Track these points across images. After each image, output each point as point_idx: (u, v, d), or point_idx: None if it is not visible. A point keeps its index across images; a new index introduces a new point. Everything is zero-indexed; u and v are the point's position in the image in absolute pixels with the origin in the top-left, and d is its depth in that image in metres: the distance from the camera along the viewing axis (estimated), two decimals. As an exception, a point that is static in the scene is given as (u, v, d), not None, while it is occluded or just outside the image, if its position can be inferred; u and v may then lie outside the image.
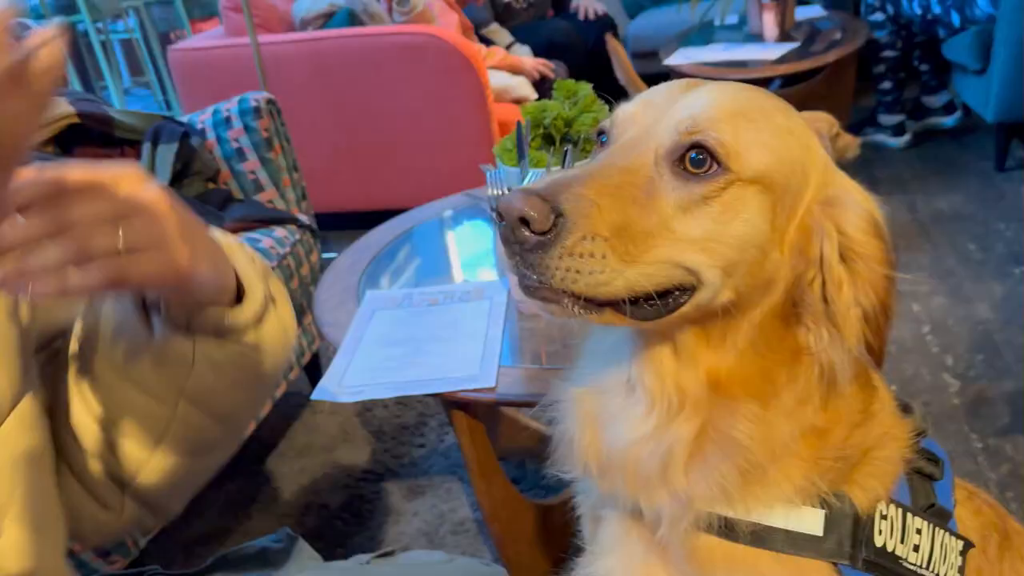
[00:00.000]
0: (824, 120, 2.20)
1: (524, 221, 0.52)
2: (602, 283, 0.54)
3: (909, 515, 0.68)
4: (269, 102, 2.05)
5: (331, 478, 1.94)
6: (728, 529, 0.63)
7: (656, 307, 0.57)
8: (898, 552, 0.68)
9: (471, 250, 1.70)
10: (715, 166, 0.56)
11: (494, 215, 0.54)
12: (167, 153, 1.89)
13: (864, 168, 3.25)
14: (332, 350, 1.32)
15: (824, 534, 0.64)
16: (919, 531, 0.69)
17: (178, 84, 3.20)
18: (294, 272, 1.91)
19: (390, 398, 1.42)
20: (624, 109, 0.64)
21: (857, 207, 0.60)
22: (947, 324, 2.20)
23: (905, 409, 0.76)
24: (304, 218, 2.05)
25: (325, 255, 2.36)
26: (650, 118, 0.61)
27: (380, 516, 1.81)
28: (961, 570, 0.72)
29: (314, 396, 1.22)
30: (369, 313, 1.41)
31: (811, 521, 0.64)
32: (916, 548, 0.69)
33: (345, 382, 1.24)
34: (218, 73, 3.03)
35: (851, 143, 2.22)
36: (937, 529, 0.70)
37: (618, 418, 0.65)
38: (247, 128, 2.01)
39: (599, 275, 0.53)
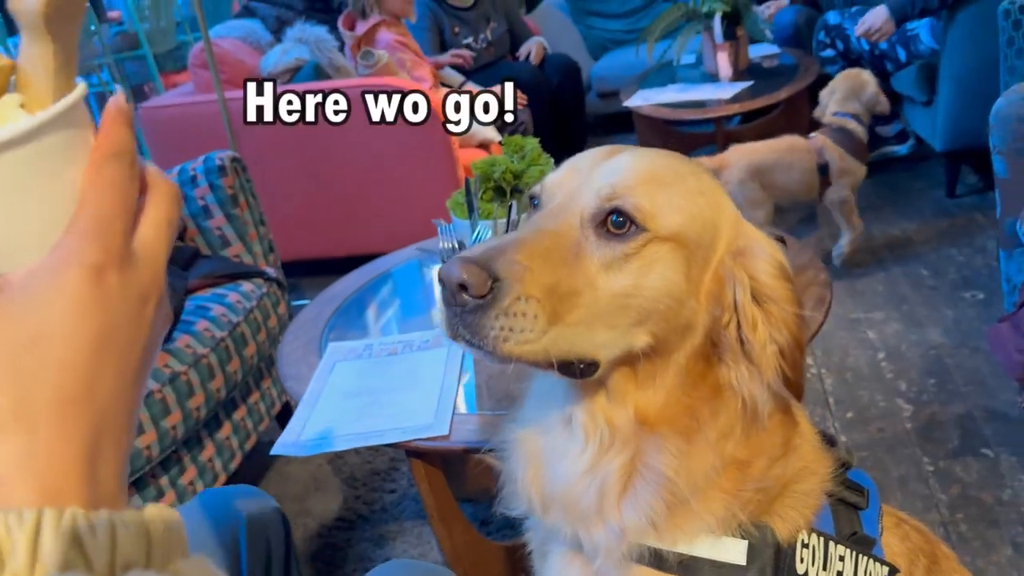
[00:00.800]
0: (867, 74, 2.81)
1: (463, 287, 0.58)
2: (530, 342, 0.59)
3: (831, 544, 0.73)
4: (234, 160, 2.10)
5: (303, 527, 1.96)
6: (659, 559, 0.68)
7: (577, 367, 0.63)
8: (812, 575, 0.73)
9: (429, 300, 1.76)
10: (633, 227, 0.62)
11: (436, 280, 0.59)
12: (134, 213, 1.94)
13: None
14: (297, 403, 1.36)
15: (747, 563, 0.68)
16: (842, 558, 0.73)
17: (148, 140, 3.25)
18: (261, 324, 1.95)
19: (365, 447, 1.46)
20: (552, 176, 0.70)
21: (765, 255, 0.66)
22: (900, 350, 2.27)
23: (830, 442, 0.81)
24: (271, 271, 2.10)
25: (296, 302, 2.40)
26: (575, 183, 0.67)
27: (352, 564, 1.83)
28: None
29: (273, 452, 1.25)
30: (330, 365, 1.46)
31: (735, 551, 0.68)
32: (839, 575, 0.74)
33: (304, 436, 1.28)
34: (188, 129, 3.09)
35: (884, 101, 2.79)
36: (860, 556, 0.75)
37: (557, 455, 0.70)
38: (212, 186, 2.07)
39: (529, 334, 0.59)
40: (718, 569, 0.67)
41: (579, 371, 0.63)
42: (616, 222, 0.62)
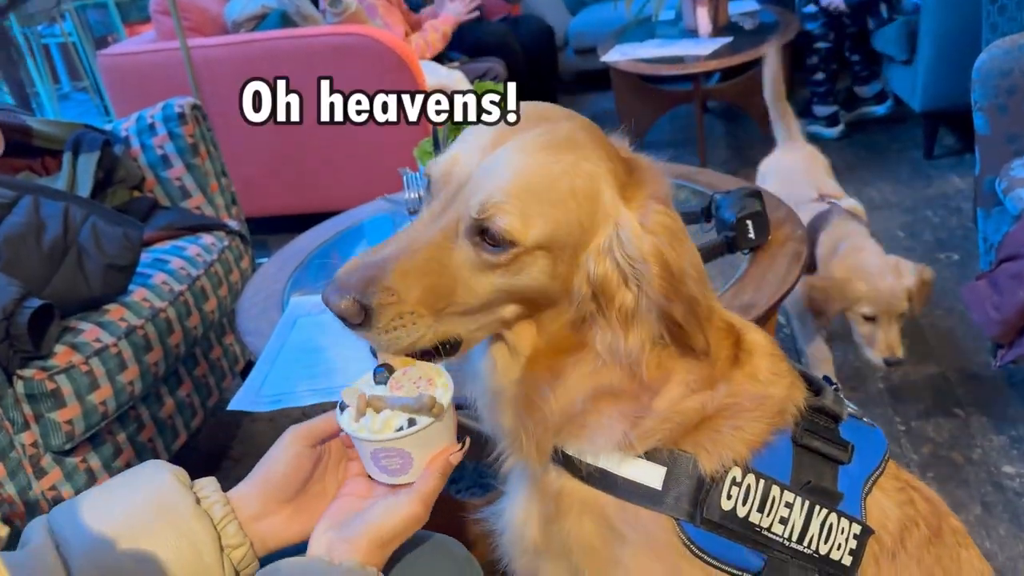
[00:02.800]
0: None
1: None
2: (415, 338, 0.68)
3: (776, 487, 0.74)
4: (194, 107, 2.02)
5: (269, 486, 1.92)
6: (572, 466, 0.75)
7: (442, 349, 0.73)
8: (753, 520, 0.73)
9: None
10: (505, 243, 0.68)
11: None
12: (88, 162, 1.86)
13: (800, 159, 3.32)
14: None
15: (663, 489, 0.73)
16: (789, 505, 0.74)
17: (109, 90, 3.13)
18: (223, 279, 1.89)
19: (330, 404, 1.41)
20: (439, 164, 0.72)
21: (634, 239, 0.70)
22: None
23: (817, 390, 0.81)
24: (233, 224, 2.03)
25: (261, 260, 2.33)
26: (460, 176, 0.70)
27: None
28: (854, 552, 0.76)
29: (231, 407, 1.20)
30: (291, 320, 1.40)
31: (652, 475, 0.73)
32: (783, 520, 0.74)
33: (264, 391, 1.23)
34: (149, 78, 2.98)
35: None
36: (818, 507, 0.75)
37: (490, 376, 0.79)
38: (172, 134, 1.98)
39: (413, 336, 0.68)
40: (630, 489, 0.73)
41: (444, 352, 0.71)
42: (490, 235, 0.67)
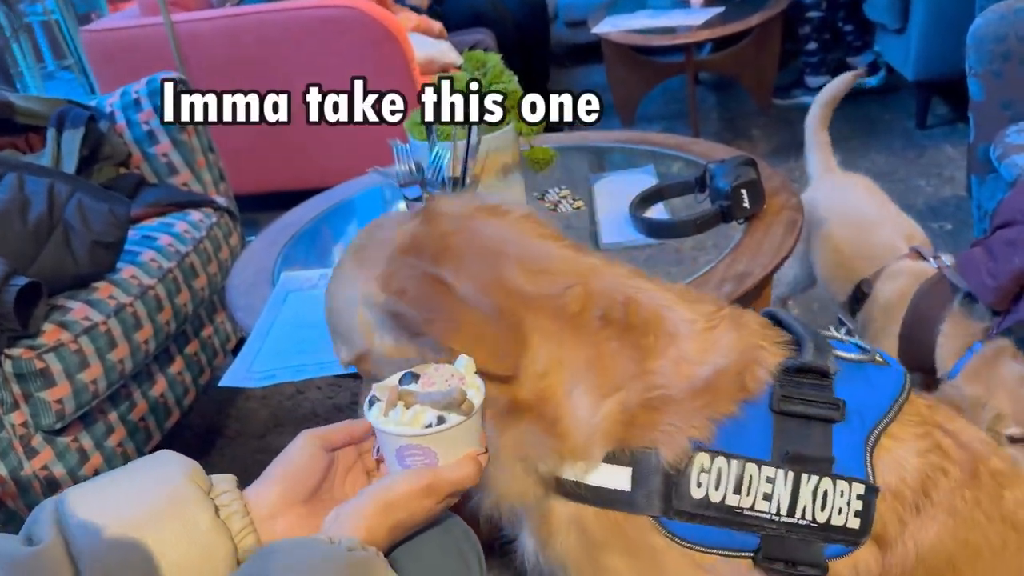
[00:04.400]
0: None
1: None
2: None
3: (751, 465, 0.72)
4: (179, 82, 1.98)
5: (263, 465, 1.91)
6: (558, 484, 0.75)
7: None
8: (731, 503, 0.71)
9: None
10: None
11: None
12: (73, 138, 1.83)
13: (791, 130, 3.30)
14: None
15: (632, 489, 0.72)
16: (771, 480, 0.72)
17: (93, 66, 3.08)
18: (212, 256, 1.87)
19: (324, 379, 1.39)
20: None
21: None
22: (868, 280, 2.25)
23: (797, 344, 0.78)
24: (222, 200, 2.01)
25: (251, 237, 2.31)
26: None
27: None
28: (861, 514, 0.72)
29: (223, 383, 1.19)
30: (282, 295, 1.39)
31: (619, 478, 0.73)
32: (767, 497, 0.72)
33: (255, 367, 1.22)
34: (133, 54, 2.93)
35: None
36: (808, 476, 0.72)
37: None
38: (157, 110, 1.95)
39: None
40: (601, 496, 0.73)
41: None
42: None
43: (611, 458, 0.73)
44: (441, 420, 0.68)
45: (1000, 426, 1.29)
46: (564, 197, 1.55)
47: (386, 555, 0.69)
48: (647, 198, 1.42)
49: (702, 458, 0.72)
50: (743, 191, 1.29)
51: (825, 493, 0.72)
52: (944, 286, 1.43)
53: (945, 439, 0.77)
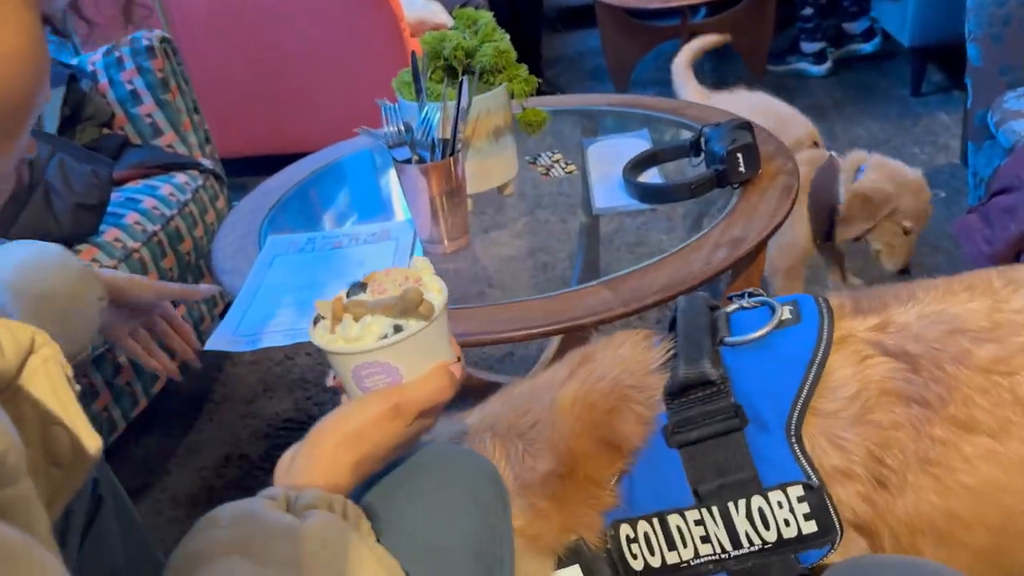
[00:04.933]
0: None
1: None
2: None
3: (673, 516, 0.67)
4: (163, 40, 1.93)
5: (251, 429, 1.91)
6: None
7: None
8: (672, 561, 0.67)
9: (377, 190, 1.66)
10: None
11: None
12: (54, 98, 1.78)
13: (787, 96, 3.26)
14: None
15: None
16: (699, 522, 0.66)
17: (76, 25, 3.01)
18: (198, 219, 1.83)
19: (313, 345, 1.37)
20: None
21: None
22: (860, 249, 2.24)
23: (671, 325, 0.76)
24: (207, 162, 1.97)
25: (237, 201, 2.27)
26: None
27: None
28: (812, 515, 0.65)
29: (207, 347, 1.17)
30: (269, 259, 1.36)
31: None
32: (705, 539, 0.66)
33: (240, 331, 1.20)
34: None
35: None
36: (734, 503, 0.66)
37: None
38: (140, 69, 1.90)
39: None
40: None
41: None
42: None
43: (560, 563, 0.71)
44: (398, 329, 0.58)
45: (900, 215, 1.74)
46: (556, 161, 1.52)
47: (362, 493, 0.63)
48: (641, 162, 1.40)
49: (625, 529, 0.68)
50: (738, 155, 1.26)
51: (760, 511, 0.66)
52: (833, 165, 1.79)
53: (885, 377, 0.67)
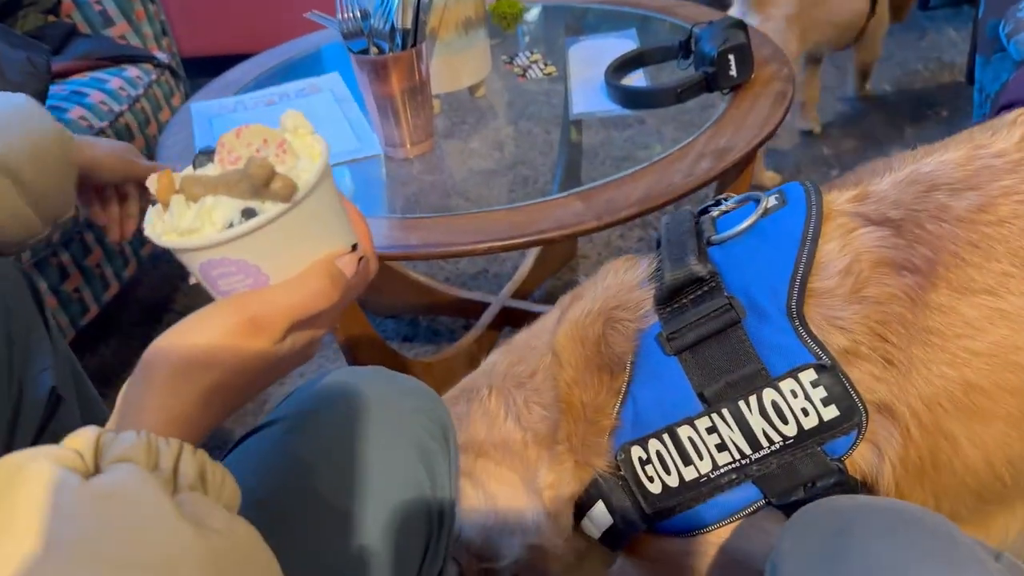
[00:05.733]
0: None
1: None
2: None
3: (682, 427, 0.62)
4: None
5: (213, 340, 1.83)
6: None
7: None
8: (690, 476, 0.63)
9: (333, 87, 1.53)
10: None
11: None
12: (-10, -22, 1.63)
13: None
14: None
15: (613, 516, 0.67)
16: (711, 429, 0.62)
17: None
18: (151, 117, 1.71)
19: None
20: None
21: None
22: (855, 167, 2.14)
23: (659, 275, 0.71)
24: (163, 56, 1.83)
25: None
26: None
27: (263, 378, 1.72)
28: (830, 399, 0.60)
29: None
30: (206, 122, 1.27)
31: (600, 514, 0.68)
32: (721, 447, 0.62)
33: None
34: None
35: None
36: (744, 402, 0.61)
37: None
38: (87, -51, 1.75)
39: None
40: (606, 534, 0.69)
41: None
42: None
43: (582, 505, 0.69)
44: (249, 215, 0.43)
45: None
46: (535, 62, 1.41)
47: (288, 440, 0.57)
48: (625, 64, 1.29)
49: (636, 451, 0.64)
50: (730, 57, 1.15)
51: (774, 404, 0.61)
52: None
53: (873, 246, 0.62)
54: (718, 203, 0.74)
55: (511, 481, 0.72)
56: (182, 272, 1.87)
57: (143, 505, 0.35)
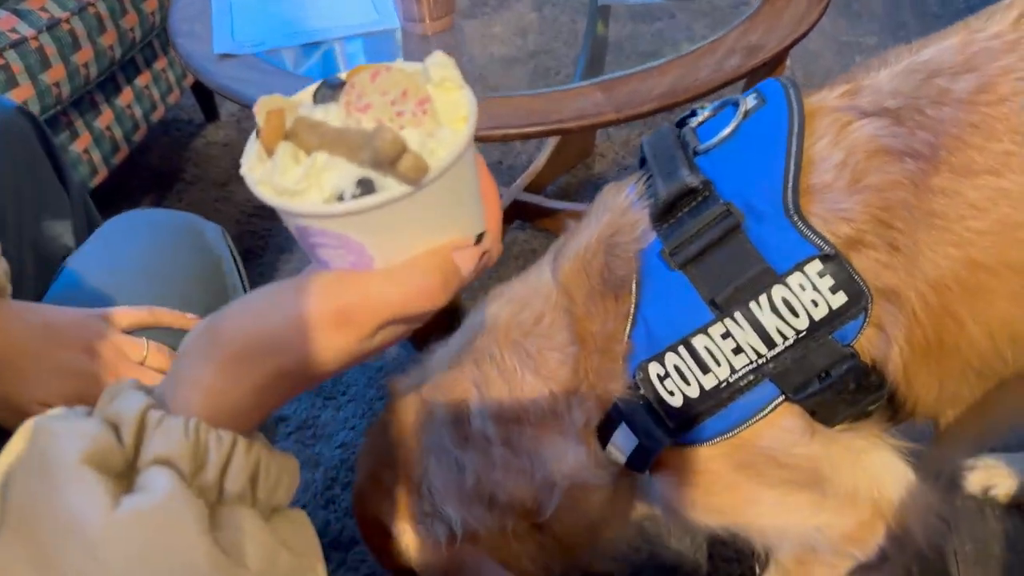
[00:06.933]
0: None
1: None
2: None
3: (697, 337, 0.63)
4: None
5: (223, 214, 1.83)
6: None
7: None
8: (709, 384, 0.63)
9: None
10: None
11: None
12: None
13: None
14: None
15: (639, 440, 0.67)
16: (725, 335, 0.62)
17: None
18: (128, 4, 1.60)
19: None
20: None
21: None
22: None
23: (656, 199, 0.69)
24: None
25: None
26: None
27: (272, 254, 1.73)
28: (838, 285, 0.60)
29: (216, 50, 1.09)
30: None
31: (625, 439, 0.68)
32: (737, 350, 0.62)
33: (238, 37, 1.10)
34: None
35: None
36: (755, 303, 0.62)
37: None
38: None
39: None
40: (634, 456, 0.69)
41: None
42: None
43: (605, 431, 0.69)
44: (366, 189, 0.36)
45: None
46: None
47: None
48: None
49: (654, 368, 0.64)
50: (772, -54, 1.09)
51: (784, 301, 0.62)
52: None
53: (870, 137, 0.62)
54: (694, 113, 0.73)
55: (549, 440, 0.73)
56: (190, 142, 1.84)
57: (177, 545, 0.32)
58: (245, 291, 0.82)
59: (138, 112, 1.65)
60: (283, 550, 0.36)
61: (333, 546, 1.18)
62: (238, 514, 0.35)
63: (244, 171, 0.38)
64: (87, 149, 1.53)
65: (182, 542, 0.33)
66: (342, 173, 0.36)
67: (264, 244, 1.75)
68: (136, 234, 0.79)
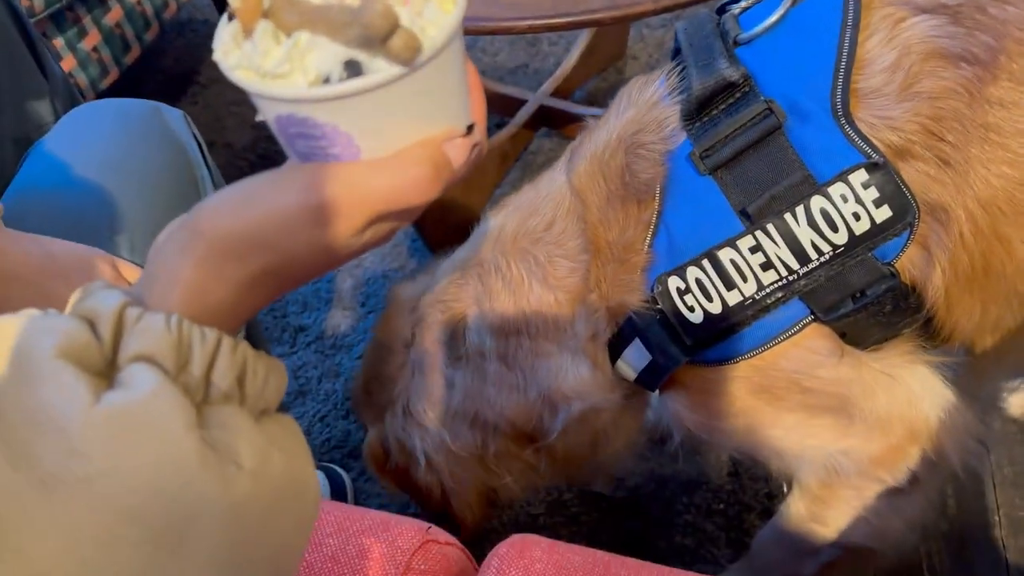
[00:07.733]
0: None
1: None
2: None
3: (723, 250, 0.59)
4: None
5: (239, 118, 1.77)
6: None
7: None
8: (733, 300, 0.59)
9: None
10: None
11: None
12: None
13: None
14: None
15: (652, 356, 0.64)
16: (754, 249, 0.58)
17: None
18: None
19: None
20: None
21: None
22: None
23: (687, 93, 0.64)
24: None
25: None
26: None
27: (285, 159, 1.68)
28: (882, 199, 0.56)
29: None
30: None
31: (636, 354, 0.65)
32: (767, 265, 0.58)
33: None
34: None
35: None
36: (790, 214, 0.57)
37: None
38: None
39: None
40: (647, 376, 0.67)
41: None
42: None
43: (615, 346, 0.66)
44: (354, 71, 0.33)
45: None
46: None
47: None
48: None
49: (674, 281, 0.60)
50: None
51: (824, 212, 0.56)
52: None
53: (926, 37, 0.56)
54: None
55: (550, 353, 0.69)
56: (206, 44, 1.77)
57: (163, 441, 0.30)
58: (212, 180, 0.82)
59: (149, 9, 1.58)
60: (275, 450, 0.34)
61: (353, 455, 1.18)
62: (227, 412, 0.33)
63: (217, 56, 0.34)
64: (96, 47, 1.47)
65: (169, 438, 0.31)
66: (327, 54, 0.33)
67: (278, 149, 1.70)
68: (102, 123, 0.80)
